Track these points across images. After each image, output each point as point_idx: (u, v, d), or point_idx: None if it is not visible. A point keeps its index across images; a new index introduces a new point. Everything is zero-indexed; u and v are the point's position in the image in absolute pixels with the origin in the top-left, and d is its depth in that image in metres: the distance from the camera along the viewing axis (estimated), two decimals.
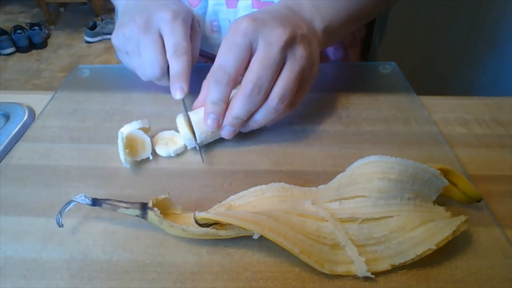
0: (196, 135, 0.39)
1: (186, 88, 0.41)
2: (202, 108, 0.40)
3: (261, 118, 0.39)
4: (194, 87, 0.42)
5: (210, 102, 0.38)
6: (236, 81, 0.38)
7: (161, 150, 0.40)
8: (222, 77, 0.37)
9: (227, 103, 0.38)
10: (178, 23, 0.42)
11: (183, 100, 0.41)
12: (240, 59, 0.37)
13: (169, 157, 0.40)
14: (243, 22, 0.37)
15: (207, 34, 0.54)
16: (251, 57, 0.37)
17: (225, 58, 0.37)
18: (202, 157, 0.39)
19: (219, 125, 0.39)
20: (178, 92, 0.41)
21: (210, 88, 0.38)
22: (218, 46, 0.54)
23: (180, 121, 0.40)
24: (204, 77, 0.41)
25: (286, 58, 0.38)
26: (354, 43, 0.62)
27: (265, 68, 0.36)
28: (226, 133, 0.40)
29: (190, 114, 0.40)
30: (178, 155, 0.40)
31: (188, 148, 0.41)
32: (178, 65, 0.41)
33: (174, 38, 0.41)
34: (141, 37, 0.42)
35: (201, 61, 0.59)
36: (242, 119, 0.38)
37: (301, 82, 0.39)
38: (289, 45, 0.37)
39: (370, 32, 0.63)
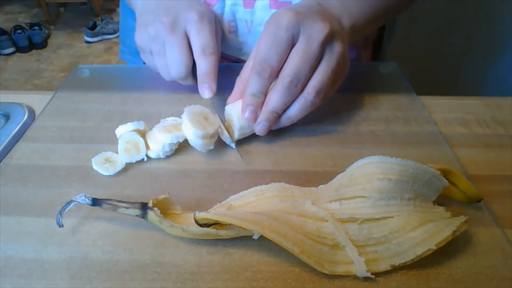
0: (235, 133, 0.40)
1: (214, 88, 0.41)
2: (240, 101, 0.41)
3: (295, 112, 0.40)
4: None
5: (250, 94, 0.39)
6: (276, 74, 0.39)
7: (151, 153, 0.39)
8: (265, 70, 0.38)
9: (265, 96, 0.39)
10: (205, 23, 0.42)
11: (211, 99, 0.42)
12: (282, 52, 0.38)
13: (168, 157, 0.40)
14: (286, 16, 0.37)
15: (225, 34, 0.54)
16: (291, 49, 0.38)
17: (268, 52, 0.38)
18: (240, 155, 0.40)
19: (257, 118, 0.39)
20: (206, 91, 0.41)
21: (251, 81, 0.38)
22: (235, 46, 0.55)
23: (185, 119, 0.39)
24: (223, 77, 0.42)
25: (324, 53, 0.39)
26: (366, 44, 0.62)
27: (304, 62, 0.37)
28: (261, 128, 0.40)
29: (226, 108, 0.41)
30: (178, 155, 0.40)
31: (234, 147, 0.41)
32: (206, 65, 0.41)
33: (202, 38, 0.42)
34: (167, 37, 0.42)
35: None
36: (278, 113, 0.39)
37: (333, 77, 0.40)
38: (328, 40, 0.38)
39: (381, 34, 0.63)
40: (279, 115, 0.40)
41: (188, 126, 0.38)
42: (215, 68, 0.42)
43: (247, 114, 0.39)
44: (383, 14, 0.49)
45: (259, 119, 0.39)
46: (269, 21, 0.39)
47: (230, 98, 0.42)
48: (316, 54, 0.38)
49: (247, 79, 0.39)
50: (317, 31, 0.37)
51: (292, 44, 0.38)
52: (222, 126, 0.40)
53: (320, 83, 0.39)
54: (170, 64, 0.43)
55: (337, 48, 0.39)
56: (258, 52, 0.38)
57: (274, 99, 0.38)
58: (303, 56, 0.37)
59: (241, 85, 0.41)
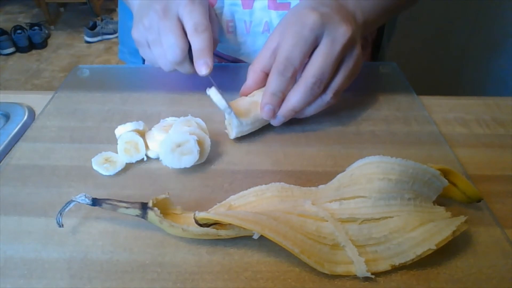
0: (233, 130, 0.40)
1: (210, 63, 0.41)
2: (241, 99, 0.41)
3: (311, 110, 0.41)
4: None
5: (270, 92, 0.39)
6: (297, 74, 0.39)
7: (151, 153, 0.39)
8: (288, 70, 0.38)
9: (285, 94, 0.40)
10: (196, 5, 0.42)
11: (209, 76, 0.41)
12: (306, 53, 0.38)
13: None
14: (311, 16, 0.38)
15: (223, 34, 0.54)
16: (313, 50, 0.39)
17: (292, 51, 0.38)
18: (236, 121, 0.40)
19: (274, 115, 0.40)
20: (203, 67, 0.41)
21: (272, 79, 0.39)
22: (233, 47, 0.55)
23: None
24: (221, 77, 0.42)
25: (345, 55, 0.39)
26: (366, 44, 0.62)
27: (328, 64, 0.38)
28: (277, 122, 0.41)
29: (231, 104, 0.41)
30: None
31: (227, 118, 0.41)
32: (200, 42, 0.41)
33: (193, 18, 0.41)
34: (161, 23, 0.42)
35: (216, 61, 0.59)
36: (296, 111, 0.40)
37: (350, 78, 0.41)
38: (349, 43, 0.39)
39: (380, 34, 0.63)
40: (297, 112, 0.41)
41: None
42: (210, 44, 0.41)
43: (265, 112, 0.40)
44: (391, 9, 0.49)
45: (277, 113, 0.40)
46: (290, 20, 0.39)
47: (244, 88, 0.42)
48: (338, 56, 0.38)
49: (268, 77, 0.40)
50: (341, 34, 0.38)
51: (315, 45, 0.38)
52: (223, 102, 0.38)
53: (339, 85, 0.40)
54: (166, 50, 0.42)
55: (355, 50, 0.40)
56: (282, 50, 0.38)
57: (295, 98, 0.39)
58: (327, 58, 0.38)
59: (255, 75, 0.41)
